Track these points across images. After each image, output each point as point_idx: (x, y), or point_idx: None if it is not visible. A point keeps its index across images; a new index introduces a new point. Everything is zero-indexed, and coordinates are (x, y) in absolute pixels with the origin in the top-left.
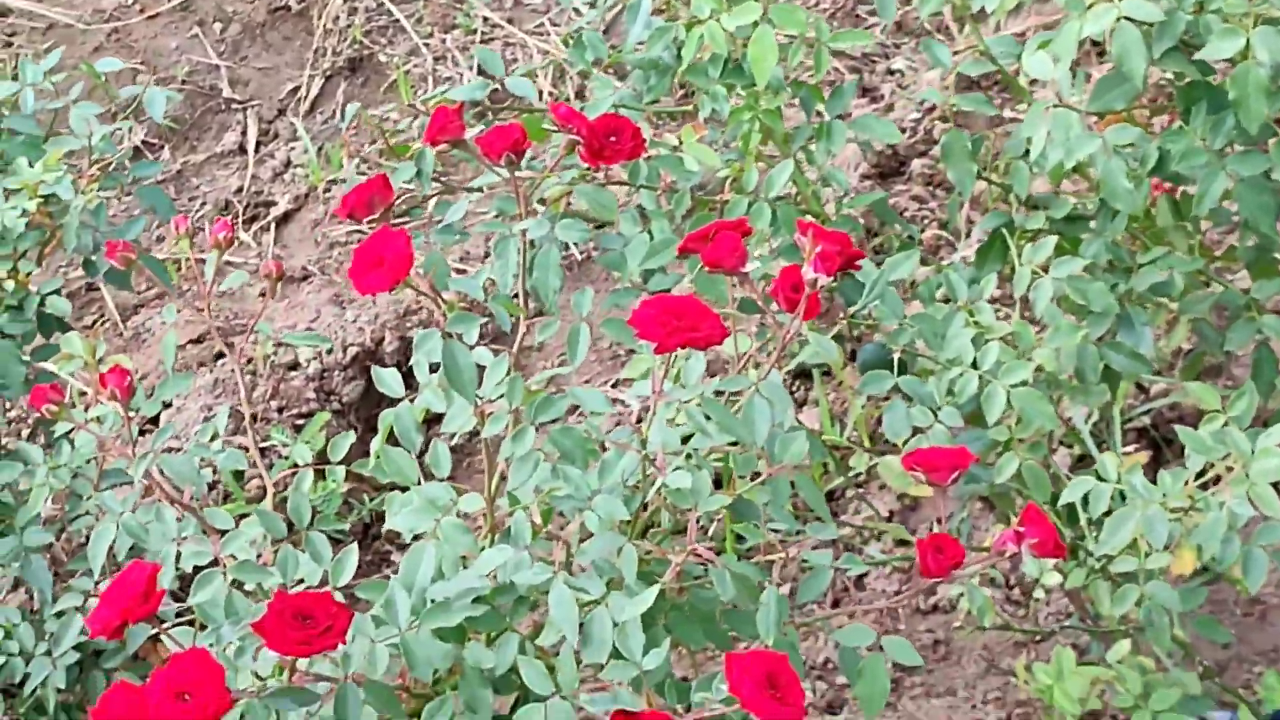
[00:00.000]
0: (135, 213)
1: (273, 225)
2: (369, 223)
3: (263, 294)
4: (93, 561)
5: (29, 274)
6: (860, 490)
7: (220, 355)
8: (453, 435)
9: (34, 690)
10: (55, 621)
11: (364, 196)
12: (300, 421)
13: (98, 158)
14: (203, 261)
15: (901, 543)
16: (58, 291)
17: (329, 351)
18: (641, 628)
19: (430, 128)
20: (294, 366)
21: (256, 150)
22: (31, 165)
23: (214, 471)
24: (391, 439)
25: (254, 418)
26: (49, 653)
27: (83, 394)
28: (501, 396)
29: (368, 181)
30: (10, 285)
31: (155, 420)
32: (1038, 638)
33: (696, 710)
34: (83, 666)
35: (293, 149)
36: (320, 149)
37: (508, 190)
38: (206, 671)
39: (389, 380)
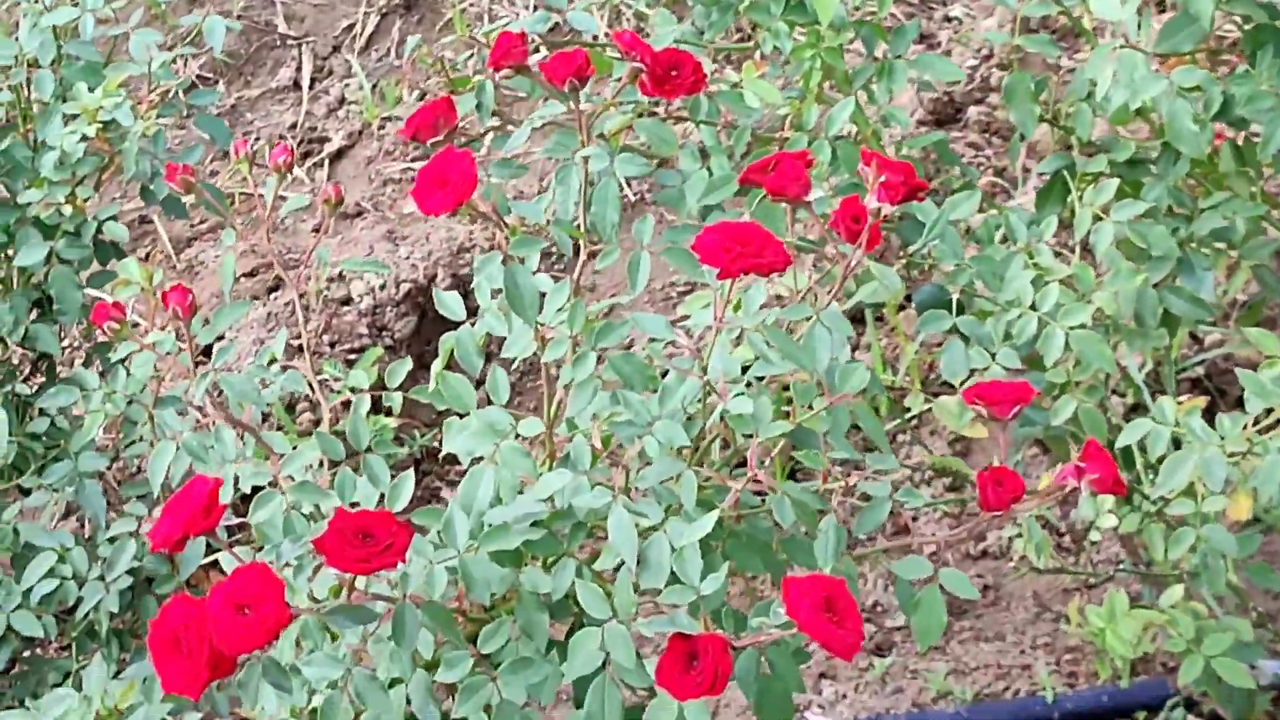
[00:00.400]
0: (192, 145)
1: (326, 162)
2: (433, 144)
3: (316, 229)
4: (152, 479)
5: (86, 200)
6: (912, 435)
7: (273, 289)
8: (512, 362)
9: (86, 614)
10: (108, 547)
11: (429, 118)
12: (352, 356)
13: (157, 85)
14: (262, 187)
15: (951, 488)
16: (114, 218)
17: (382, 287)
18: (699, 554)
19: (494, 52)
20: (346, 302)
21: (311, 87)
22: (91, 91)
23: (265, 405)
24: (450, 366)
25: (304, 350)
26: (102, 577)
27: (135, 325)
28: (563, 322)
29: (433, 103)
30: (68, 211)
31: (207, 352)
32: (1089, 583)
33: (753, 634)
34: (135, 592)
35: (347, 86)
36: (375, 86)
37: (566, 124)
38: (266, 585)
39: (450, 302)
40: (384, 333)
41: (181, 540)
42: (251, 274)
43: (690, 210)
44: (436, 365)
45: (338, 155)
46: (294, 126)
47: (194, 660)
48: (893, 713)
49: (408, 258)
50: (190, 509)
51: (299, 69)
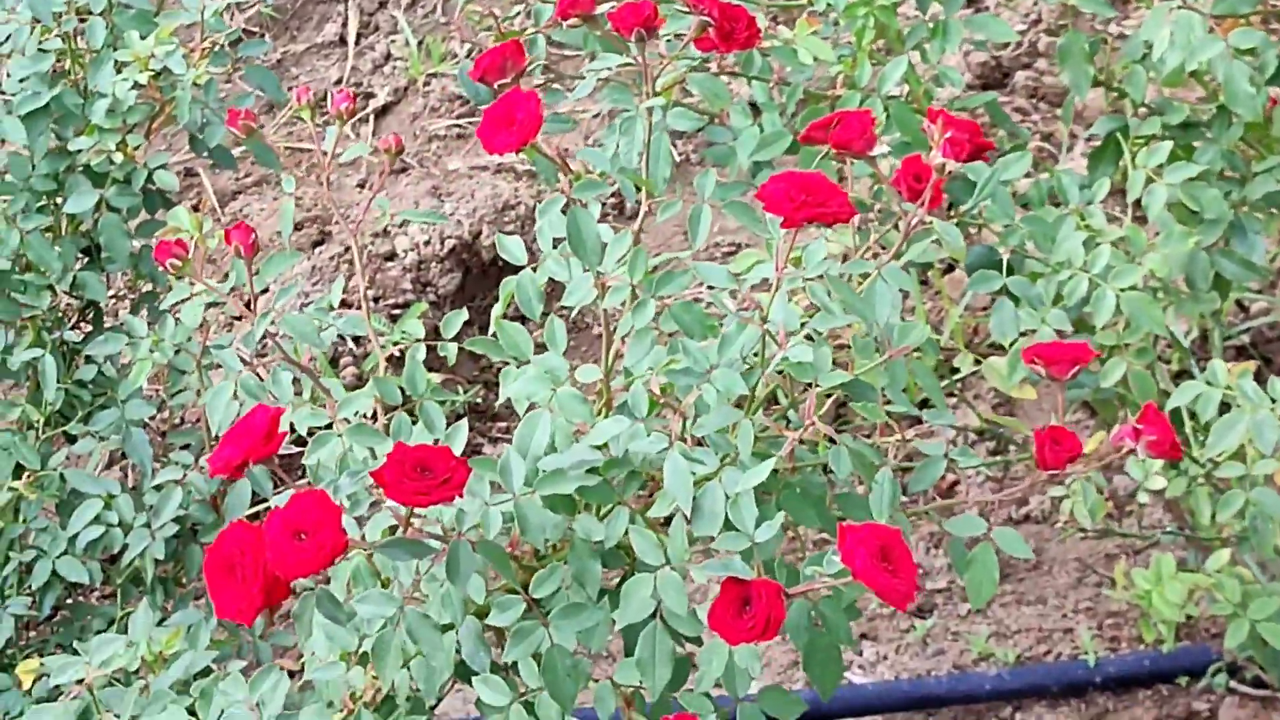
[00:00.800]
0: (241, 97)
1: (372, 117)
2: (499, 86)
3: (361, 184)
4: (211, 417)
5: (136, 148)
6: (958, 397)
7: (318, 243)
8: (571, 310)
9: (131, 562)
10: (154, 495)
11: (497, 59)
12: (396, 312)
13: (208, 35)
14: (317, 138)
15: (994, 451)
16: (164, 167)
17: (426, 243)
18: (754, 502)
19: (562, 2)
20: (391, 257)
21: (357, 42)
22: (143, 38)
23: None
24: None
25: (349, 305)
26: (148, 525)
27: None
28: (623, 271)
29: (501, 45)
30: (118, 159)
31: (249, 305)
32: (1135, 548)
33: (807, 582)
34: (180, 540)
35: (393, 42)
36: (420, 42)
37: (615, 79)
38: (324, 512)
39: (512, 247)
40: (428, 288)
41: (241, 465)
42: (297, 227)
43: (741, 166)
44: (496, 310)
45: (383, 111)
46: (339, 82)
47: (249, 585)
48: (934, 674)
49: (452, 214)
50: (251, 436)
51: (345, 24)
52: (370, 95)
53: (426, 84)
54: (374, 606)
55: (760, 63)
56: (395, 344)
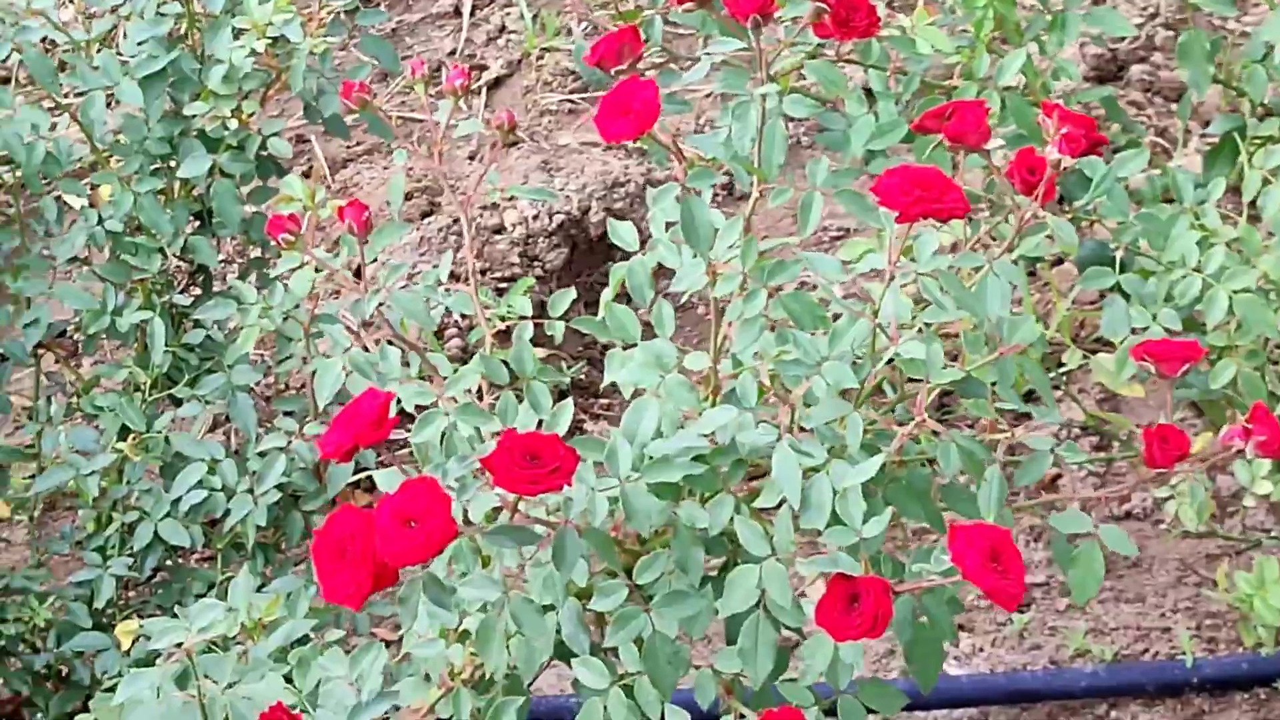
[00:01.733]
0: (357, 66)
1: (484, 90)
2: (616, 73)
3: (471, 156)
4: (319, 392)
5: (251, 114)
6: (1062, 390)
7: (426, 214)
8: (681, 295)
9: (233, 527)
10: (257, 461)
11: (614, 46)
12: (503, 285)
13: (326, 3)
14: (429, 109)
15: (1098, 448)
16: (278, 134)
17: (535, 218)
18: (862, 496)
19: None
20: (498, 230)
21: (472, 14)
22: (261, 4)
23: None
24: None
25: (456, 278)
26: (250, 491)
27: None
28: (734, 258)
29: (619, 31)
30: (233, 124)
31: (358, 273)
32: (1237, 549)
33: (913, 580)
34: (282, 507)
35: (507, 14)
36: (535, 16)
37: (732, 62)
38: (434, 500)
39: (624, 233)
40: (535, 263)
41: (352, 450)
42: (406, 198)
43: (854, 154)
44: (606, 295)
45: (495, 84)
46: (453, 53)
47: (358, 571)
48: (1029, 669)
49: (562, 189)
50: (361, 421)
51: None
52: (483, 67)
53: (540, 58)
54: (478, 590)
55: (878, 50)
56: (501, 319)
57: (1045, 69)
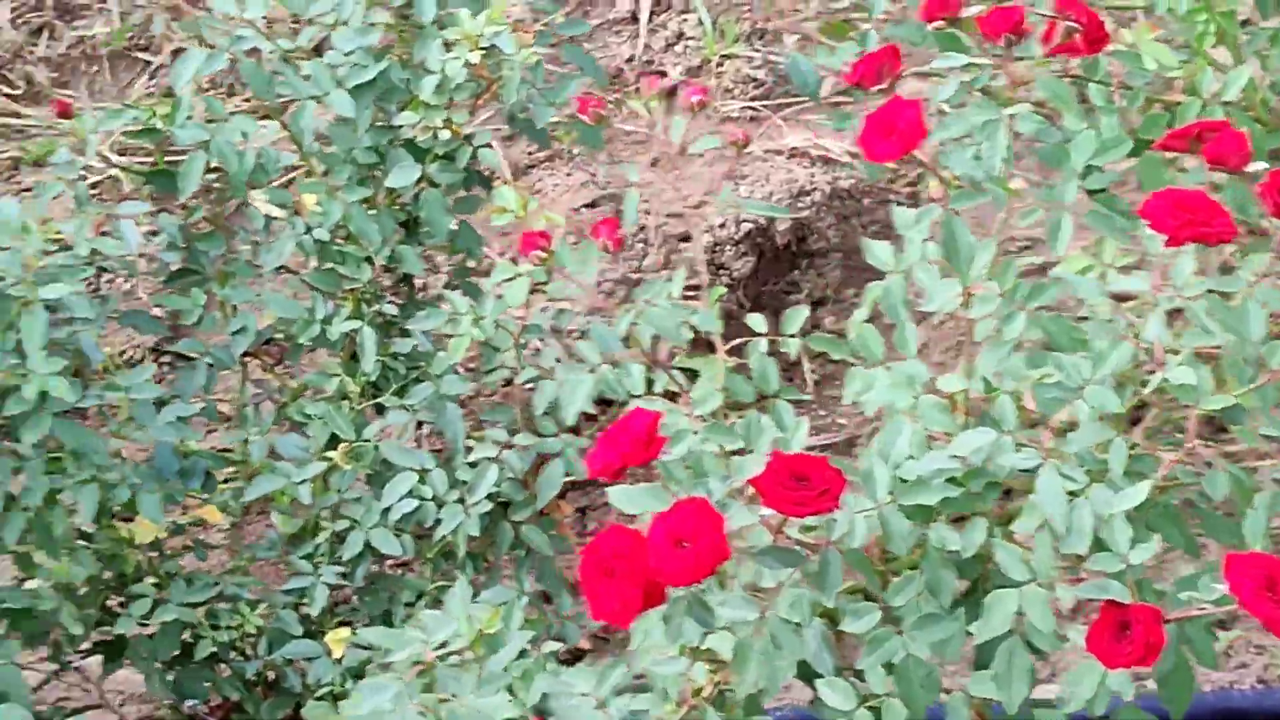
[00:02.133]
0: (570, 77)
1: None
2: (876, 91)
3: (655, 162)
4: (565, 410)
5: (461, 125)
6: None
7: None
8: (930, 315)
9: (444, 536)
10: (466, 470)
11: (873, 66)
12: (690, 294)
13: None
14: (644, 119)
15: None
16: (489, 145)
17: (721, 226)
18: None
19: (930, 3)
20: (685, 238)
21: (650, 20)
22: (474, 17)
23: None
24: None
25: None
26: (461, 500)
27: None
28: (990, 279)
29: (879, 51)
30: (444, 135)
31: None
32: None
33: (1182, 608)
34: (492, 517)
35: (685, 20)
36: (715, 22)
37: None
38: (707, 520)
39: (879, 252)
40: (722, 271)
41: (620, 470)
42: (592, 205)
43: (1075, 169)
44: (859, 314)
45: (672, 91)
46: (631, 59)
47: (629, 589)
48: (1236, 687)
49: (748, 197)
50: (630, 440)
51: (637, 1)
52: (662, 73)
53: (719, 65)
54: (736, 610)
55: (1104, 66)
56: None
57: (1265, 84)
